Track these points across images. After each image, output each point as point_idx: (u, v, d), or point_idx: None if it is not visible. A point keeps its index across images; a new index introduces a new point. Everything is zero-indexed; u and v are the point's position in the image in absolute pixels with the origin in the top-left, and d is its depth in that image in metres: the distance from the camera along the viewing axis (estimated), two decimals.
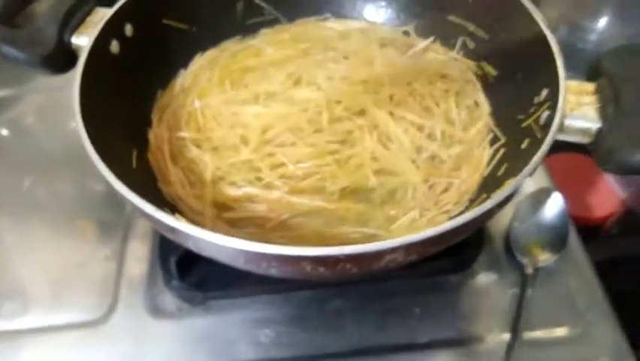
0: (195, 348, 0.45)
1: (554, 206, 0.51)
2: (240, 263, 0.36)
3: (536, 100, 0.46)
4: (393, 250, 0.33)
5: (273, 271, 0.36)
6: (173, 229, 0.34)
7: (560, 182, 0.57)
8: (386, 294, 0.48)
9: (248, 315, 0.47)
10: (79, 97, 0.42)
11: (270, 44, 0.60)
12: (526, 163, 0.41)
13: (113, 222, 0.55)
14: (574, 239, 0.51)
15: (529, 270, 0.48)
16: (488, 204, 0.35)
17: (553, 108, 0.42)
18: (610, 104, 0.42)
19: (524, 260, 0.49)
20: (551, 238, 0.50)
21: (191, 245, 0.36)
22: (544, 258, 0.49)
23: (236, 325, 0.46)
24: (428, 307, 0.47)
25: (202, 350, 0.45)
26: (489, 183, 0.46)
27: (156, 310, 0.47)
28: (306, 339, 0.46)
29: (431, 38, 0.59)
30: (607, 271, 0.52)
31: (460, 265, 0.50)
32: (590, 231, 0.69)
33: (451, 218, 0.45)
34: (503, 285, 0.49)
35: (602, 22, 0.84)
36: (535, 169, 0.38)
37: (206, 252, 0.37)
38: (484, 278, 0.49)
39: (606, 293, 0.48)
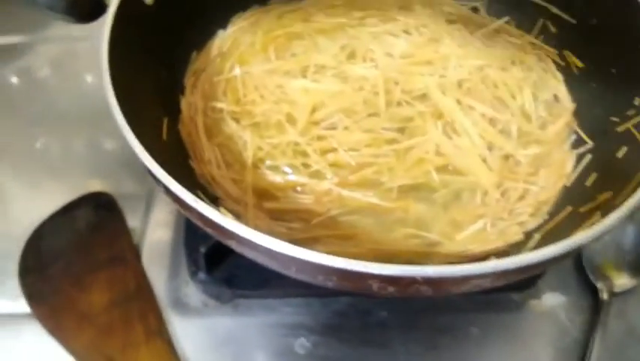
0: (220, 352, 0.40)
1: (636, 225, 0.45)
2: (291, 272, 0.30)
3: (636, 101, 0.40)
4: (483, 275, 0.27)
5: (330, 285, 0.30)
6: (216, 225, 0.28)
7: None
8: (439, 309, 0.42)
9: (281, 319, 0.41)
10: (107, 51, 0.36)
11: (321, 9, 0.53)
12: (625, 176, 0.35)
13: (134, 192, 0.49)
14: None
15: (604, 295, 0.42)
16: (605, 225, 0.29)
17: None
18: None
19: (598, 283, 0.43)
20: (632, 260, 0.44)
21: (234, 245, 0.30)
22: (622, 282, 0.43)
23: (268, 330, 0.41)
24: (486, 328, 0.41)
25: (227, 354, 0.40)
26: (574, 195, 0.40)
27: (178, 304, 0.42)
28: (345, 353, 0.40)
29: (505, 18, 0.52)
30: None
31: (523, 282, 0.44)
32: None
33: (526, 232, 0.39)
34: (572, 309, 0.43)
35: None
36: None
37: (252, 255, 0.31)
38: (550, 299, 0.43)
39: None
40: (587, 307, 0.43)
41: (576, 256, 0.45)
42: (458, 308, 0.42)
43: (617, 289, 0.43)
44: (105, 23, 0.38)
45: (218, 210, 0.29)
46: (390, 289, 0.29)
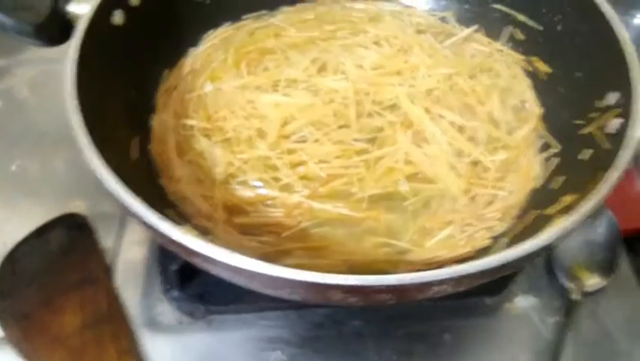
0: None
1: (605, 225, 0.45)
2: (256, 287, 0.31)
3: (599, 104, 0.40)
4: (442, 281, 0.28)
5: (297, 298, 0.30)
6: (177, 243, 0.29)
7: None
8: (412, 316, 0.42)
9: (256, 333, 0.41)
10: (74, 74, 0.36)
11: (292, 24, 0.54)
12: (590, 177, 0.35)
13: (110, 212, 0.49)
14: (625, 263, 0.46)
15: (575, 295, 0.43)
16: (568, 224, 0.29)
17: (625, 116, 0.36)
18: None
19: (569, 284, 0.43)
20: (601, 261, 0.44)
21: (199, 262, 0.31)
22: (593, 282, 0.44)
23: (244, 344, 0.41)
24: (459, 334, 0.42)
25: None
26: (541, 198, 0.40)
27: (152, 323, 0.42)
28: None
29: (474, 27, 0.52)
30: None
31: (495, 285, 0.44)
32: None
33: (494, 237, 0.39)
34: (544, 311, 0.43)
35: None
36: (612, 188, 0.32)
37: (216, 271, 0.31)
38: (522, 302, 0.44)
39: None
40: (559, 308, 0.43)
41: (547, 258, 0.46)
42: (432, 315, 0.42)
43: (587, 289, 0.43)
44: (71, 46, 0.38)
45: (183, 228, 0.29)
46: (354, 298, 0.29)
